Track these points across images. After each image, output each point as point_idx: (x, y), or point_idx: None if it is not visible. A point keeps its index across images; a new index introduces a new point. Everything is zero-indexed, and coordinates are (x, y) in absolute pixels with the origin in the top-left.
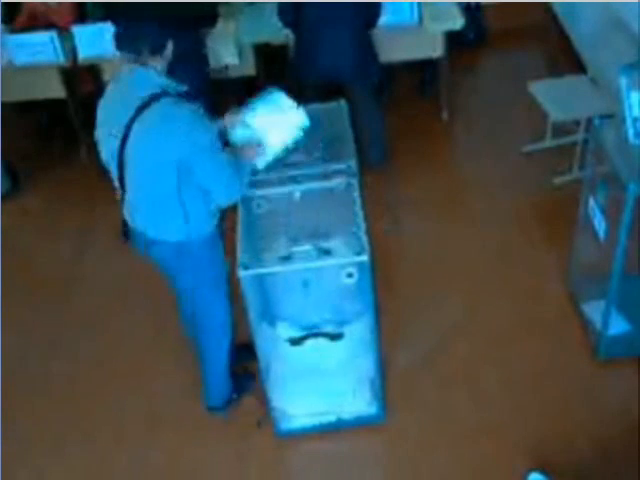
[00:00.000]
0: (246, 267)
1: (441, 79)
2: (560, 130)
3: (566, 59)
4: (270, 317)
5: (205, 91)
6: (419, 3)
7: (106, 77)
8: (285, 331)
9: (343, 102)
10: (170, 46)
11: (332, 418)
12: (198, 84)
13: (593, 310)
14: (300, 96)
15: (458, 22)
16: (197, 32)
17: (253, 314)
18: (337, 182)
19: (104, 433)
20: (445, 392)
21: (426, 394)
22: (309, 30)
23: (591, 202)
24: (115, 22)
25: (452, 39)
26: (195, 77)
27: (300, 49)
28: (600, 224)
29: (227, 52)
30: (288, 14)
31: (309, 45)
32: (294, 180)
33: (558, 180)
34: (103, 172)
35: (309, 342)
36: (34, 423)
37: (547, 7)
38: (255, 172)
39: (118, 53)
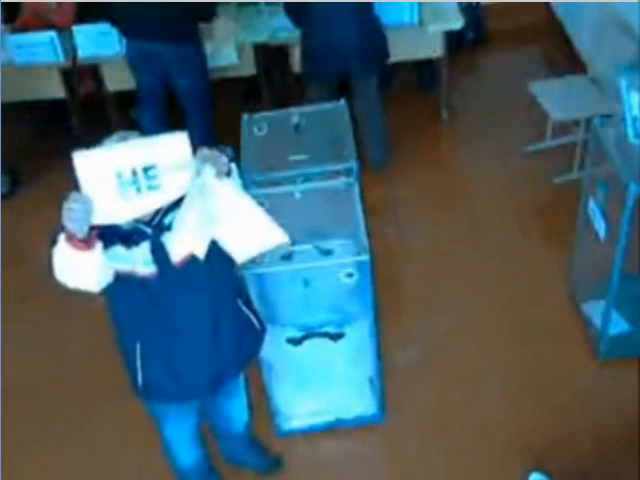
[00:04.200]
0: (246, 267)
1: (441, 79)
2: (560, 130)
3: (566, 59)
4: (270, 317)
5: (205, 91)
6: (419, 3)
7: (106, 77)
8: (285, 331)
9: (343, 102)
10: None
11: (331, 418)
12: (198, 84)
13: (593, 310)
14: (305, 93)
15: (458, 22)
16: (195, 34)
17: None
18: (337, 182)
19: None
20: (445, 392)
21: (426, 394)
22: (316, 22)
23: (591, 202)
24: (115, 22)
25: (452, 39)
26: (195, 77)
27: (307, 45)
28: (600, 224)
29: (227, 52)
30: (291, 11)
31: (316, 39)
32: (294, 180)
33: (558, 180)
34: None
35: (309, 342)
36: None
37: (547, 7)
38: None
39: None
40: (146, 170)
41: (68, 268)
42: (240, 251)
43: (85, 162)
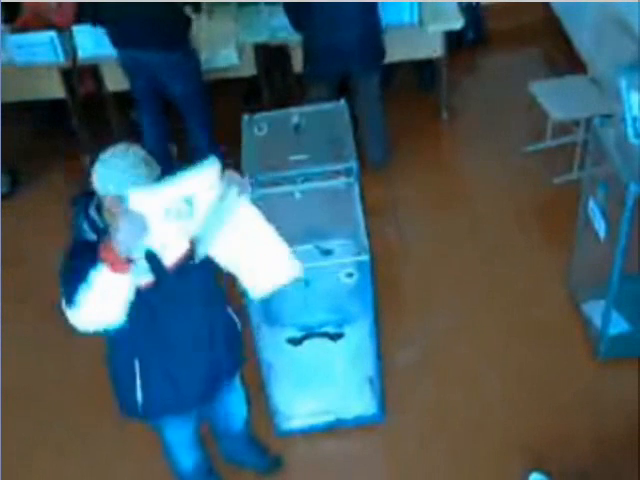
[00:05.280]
0: None
1: (441, 79)
2: (560, 130)
3: (566, 59)
4: (270, 317)
5: (200, 95)
6: (419, 3)
7: (106, 77)
8: (285, 331)
9: (343, 102)
10: None
11: (332, 418)
12: (192, 90)
13: (593, 310)
14: (305, 93)
15: (458, 22)
16: (185, 39)
17: (254, 314)
18: (337, 182)
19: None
20: (444, 392)
21: (425, 394)
22: (318, 23)
23: (591, 202)
24: (103, 24)
25: (452, 39)
26: (187, 83)
27: (309, 46)
28: (600, 224)
29: (227, 53)
30: (291, 11)
31: (318, 40)
32: (294, 180)
33: (558, 180)
34: None
35: (309, 342)
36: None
37: (547, 7)
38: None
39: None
40: (187, 200)
41: (104, 300)
42: (258, 287)
43: (139, 200)
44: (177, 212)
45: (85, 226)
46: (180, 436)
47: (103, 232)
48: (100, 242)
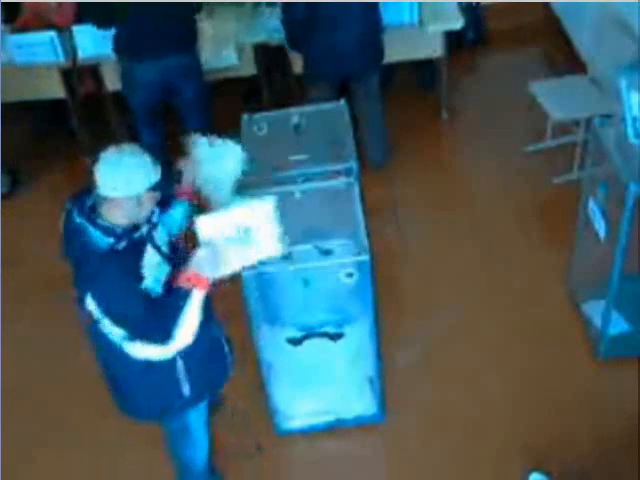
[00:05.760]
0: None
1: (441, 79)
2: (560, 130)
3: (566, 59)
4: (270, 317)
5: (206, 98)
6: (419, 3)
7: (106, 77)
8: (285, 331)
9: (343, 102)
10: None
11: (332, 418)
12: (201, 94)
13: (593, 310)
14: (305, 93)
15: (458, 22)
16: (196, 40)
17: (254, 314)
18: (337, 182)
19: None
20: (445, 392)
21: (425, 394)
22: (320, 26)
23: (591, 202)
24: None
25: (452, 39)
26: (197, 86)
27: (309, 48)
28: (600, 224)
29: (227, 54)
30: (288, 30)
31: (319, 43)
32: (294, 180)
33: (558, 180)
34: None
35: (309, 342)
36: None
37: (547, 7)
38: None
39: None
40: (245, 230)
41: (195, 322)
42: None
43: (206, 224)
44: (235, 240)
45: (96, 233)
46: (202, 418)
47: (125, 235)
48: (130, 245)
